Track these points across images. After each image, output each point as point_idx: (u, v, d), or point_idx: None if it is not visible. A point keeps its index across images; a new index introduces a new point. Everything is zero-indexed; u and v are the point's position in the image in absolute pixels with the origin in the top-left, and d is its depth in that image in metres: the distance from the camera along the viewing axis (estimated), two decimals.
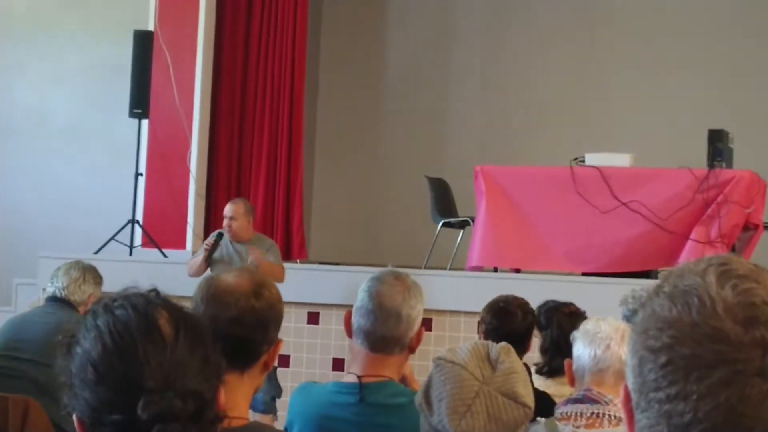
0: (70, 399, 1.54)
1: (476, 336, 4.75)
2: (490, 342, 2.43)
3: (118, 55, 9.39)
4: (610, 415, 3.12)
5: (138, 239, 9.06)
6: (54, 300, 5.30)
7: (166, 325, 1.54)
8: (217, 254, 7.73)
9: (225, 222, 7.74)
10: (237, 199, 8.25)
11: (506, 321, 4.49)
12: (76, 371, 1.53)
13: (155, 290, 1.62)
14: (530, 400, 2.35)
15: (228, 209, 7.80)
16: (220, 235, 7.76)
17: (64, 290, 5.29)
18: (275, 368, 7.52)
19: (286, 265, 7.85)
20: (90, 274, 5.39)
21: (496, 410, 2.28)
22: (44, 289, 5.75)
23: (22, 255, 9.24)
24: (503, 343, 2.42)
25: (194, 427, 1.48)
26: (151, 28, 9.40)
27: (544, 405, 3.47)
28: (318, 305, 8.06)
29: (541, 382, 4.42)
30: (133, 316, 1.55)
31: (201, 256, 7.71)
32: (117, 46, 9.48)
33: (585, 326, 3.37)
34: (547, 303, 4.76)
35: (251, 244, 7.68)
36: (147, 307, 1.56)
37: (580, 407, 3.18)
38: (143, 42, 9.13)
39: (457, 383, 2.29)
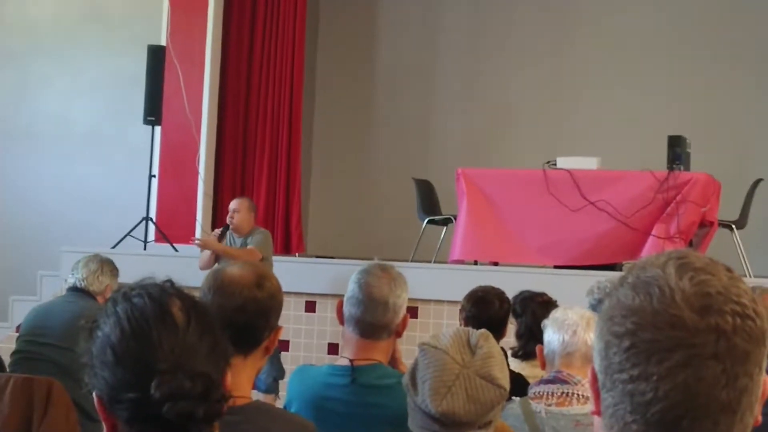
0: (91, 378, 1.54)
1: (458, 323, 4.75)
2: (470, 328, 2.43)
3: (134, 67, 9.36)
4: (578, 395, 3.13)
5: (151, 235, 9.05)
6: (74, 290, 5.29)
7: (179, 312, 1.55)
8: None
9: (229, 215, 7.79)
10: (242, 196, 8.35)
11: (485, 309, 4.48)
12: (96, 353, 1.53)
13: (169, 281, 1.62)
14: (506, 382, 2.35)
15: (233, 203, 7.88)
16: (227, 227, 7.80)
17: (83, 281, 5.28)
18: (279, 351, 7.53)
19: (285, 258, 7.82)
20: (107, 266, 5.38)
21: (474, 391, 2.28)
22: (66, 280, 5.73)
23: (46, 249, 9.22)
24: (482, 330, 2.42)
25: (202, 406, 1.48)
26: (163, 43, 9.39)
27: (519, 386, 3.47)
28: (315, 295, 8.04)
29: (516, 365, 4.42)
30: (149, 303, 1.55)
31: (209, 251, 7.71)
32: (133, 60, 9.45)
33: (554, 315, 3.37)
34: (522, 293, 4.76)
35: (248, 236, 7.72)
36: (161, 295, 1.57)
37: (551, 387, 3.18)
38: (156, 56, 9.12)
39: (439, 367, 2.30)
